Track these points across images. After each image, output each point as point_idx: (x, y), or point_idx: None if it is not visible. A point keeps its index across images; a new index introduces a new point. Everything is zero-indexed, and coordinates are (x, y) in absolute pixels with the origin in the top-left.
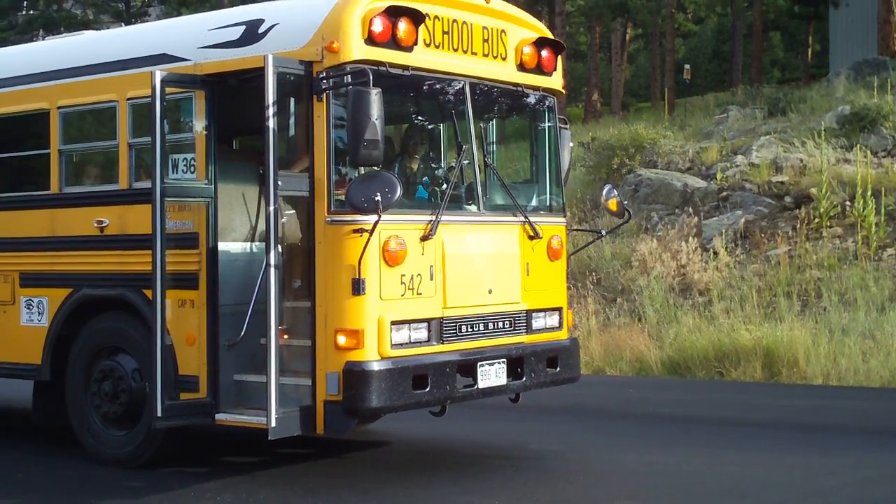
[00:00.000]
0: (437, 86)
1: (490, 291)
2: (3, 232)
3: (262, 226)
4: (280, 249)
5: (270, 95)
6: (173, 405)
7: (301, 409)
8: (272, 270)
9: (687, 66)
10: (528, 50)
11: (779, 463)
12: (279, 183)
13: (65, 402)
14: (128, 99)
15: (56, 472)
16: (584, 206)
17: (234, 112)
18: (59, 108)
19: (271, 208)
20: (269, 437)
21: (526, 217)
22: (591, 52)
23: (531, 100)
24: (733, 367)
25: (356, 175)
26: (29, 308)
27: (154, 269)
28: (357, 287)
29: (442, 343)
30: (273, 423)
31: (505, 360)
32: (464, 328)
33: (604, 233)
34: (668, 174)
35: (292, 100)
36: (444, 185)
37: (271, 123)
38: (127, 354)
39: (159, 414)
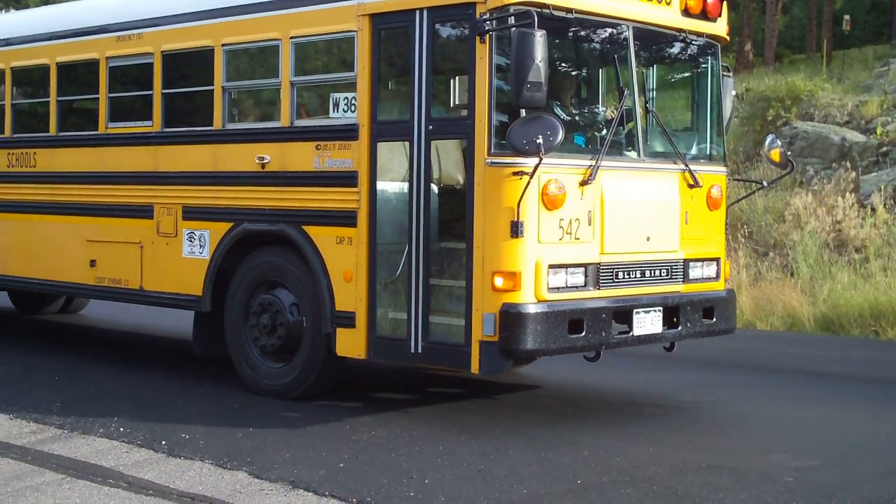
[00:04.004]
0: (600, 30)
1: (648, 239)
2: (168, 166)
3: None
4: (436, 190)
5: (424, 37)
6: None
7: (452, 345)
8: (418, 210)
9: (846, 17)
10: None
11: None
12: (430, 127)
13: (224, 333)
14: (291, 37)
15: (215, 400)
16: (736, 158)
17: (397, 52)
18: (223, 45)
19: (417, 155)
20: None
21: (686, 165)
22: (744, 2)
23: (694, 46)
24: (889, 327)
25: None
26: (191, 240)
27: (418, 215)
28: (515, 229)
29: (598, 289)
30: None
31: (661, 308)
32: (620, 275)
33: (765, 184)
34: (826, 127)
35: (452, 41)
36: (605, 131)
37: (423, 65)
38: (285, 289)
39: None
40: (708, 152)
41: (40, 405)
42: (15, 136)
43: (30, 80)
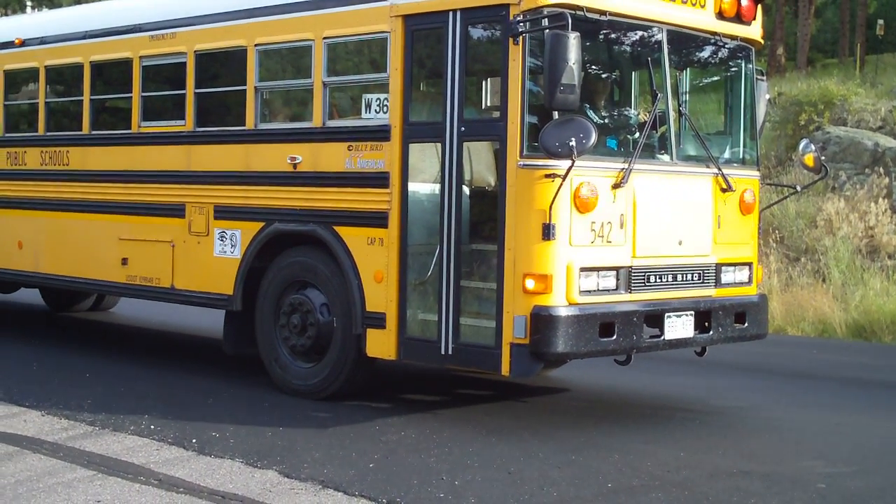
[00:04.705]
0: (634, 32)
1: (680, 243)
2: (200, 165)
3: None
4: (467, 192)
5: (456, 39)
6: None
7: (482, 347)
8: (450, 212)
9: (880, 22)
10: None
11: None
12: (462, 128)
13: (254, 332)
14: (324, 38)
15: (245, 399)
16: (769, 163)
17: (429, 53)
18: (256, 45)
19: (448, 157)
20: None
21: (719, 169)
22: (776, 5)
23: (728, 49)
24: None
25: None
26: (222, 240)
27: (450, 216)
28: (547, 232)
29: (630, 292)
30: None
31: (693, 312)
32: (652, 278)
33: (799, 188)
34: (859, 132)
35: (485, 43)
36: (637, 134)
37: (456, 67)
38: (315, 289)
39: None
40: (741, 156)
41: (71, 402)
42: (48, 134)
43: (63, 78)
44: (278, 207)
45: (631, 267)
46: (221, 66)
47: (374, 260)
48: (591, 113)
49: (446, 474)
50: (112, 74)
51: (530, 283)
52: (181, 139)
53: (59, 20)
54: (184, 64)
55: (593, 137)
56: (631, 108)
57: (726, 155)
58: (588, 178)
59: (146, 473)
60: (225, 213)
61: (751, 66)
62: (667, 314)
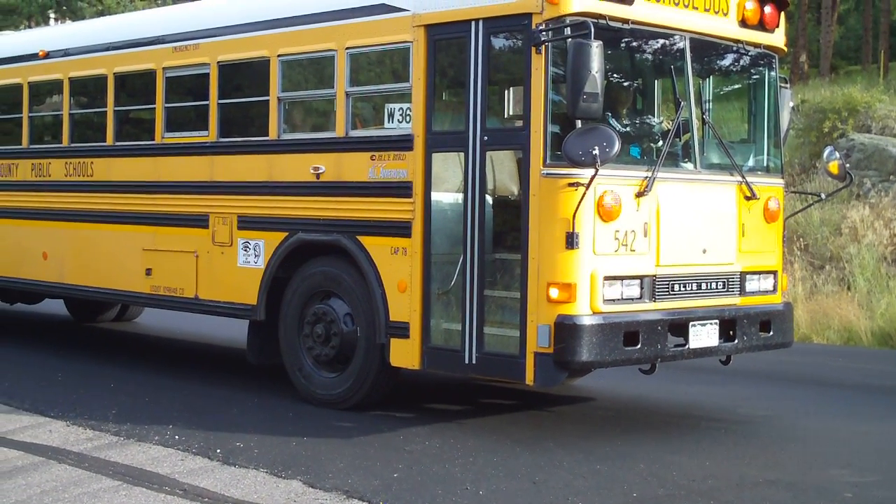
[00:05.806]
0: (657, 40)
1: (704, 251)
2: (223, 176)
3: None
4: (490, 201)
5: (479, 48)
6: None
7: (506, 356)
8: (473, 221)
9: None
10: (750, 5)
11: None
12: (485, 138)
13: (278, 342)
14: (346, 48)
15: (269, 409)
16: (792, 170)
17: (452, 63)
18: (279, 56)
19: (472, 166)
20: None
21: (743, 177)
22: (799, 12)
23: (751, 57)
24: None
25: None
26: (246, 250)
27: (473, 226)
28: (571, 241)
29: (654, 301)
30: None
31: (717, 321)
32: (676, 287)
33: (823, 196)
34: (883, 139)
35: (507, 52)
36: (661, 142)
37: (479, 76)
38: (339, 299)
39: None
40: (765, 164)
41: (96, 412)
42: (72, 145)
43: (87, 90)
44: (302, 217)
45: (655, 275)
46: (244, 76)
47: (398, 269)
48: (614, 121)
49: (470, 484)
50: (135, 86)
51: (554, 292)
52: (204, 150)
53: (82, 32)
54: (207, 75)
55: (616, 146)
56: (654, 116)
57: (750, 163)
58: (611, 186)
59: (171, 483)
60: (248, 223)
61: (774, 73)
62: (691, 323)
